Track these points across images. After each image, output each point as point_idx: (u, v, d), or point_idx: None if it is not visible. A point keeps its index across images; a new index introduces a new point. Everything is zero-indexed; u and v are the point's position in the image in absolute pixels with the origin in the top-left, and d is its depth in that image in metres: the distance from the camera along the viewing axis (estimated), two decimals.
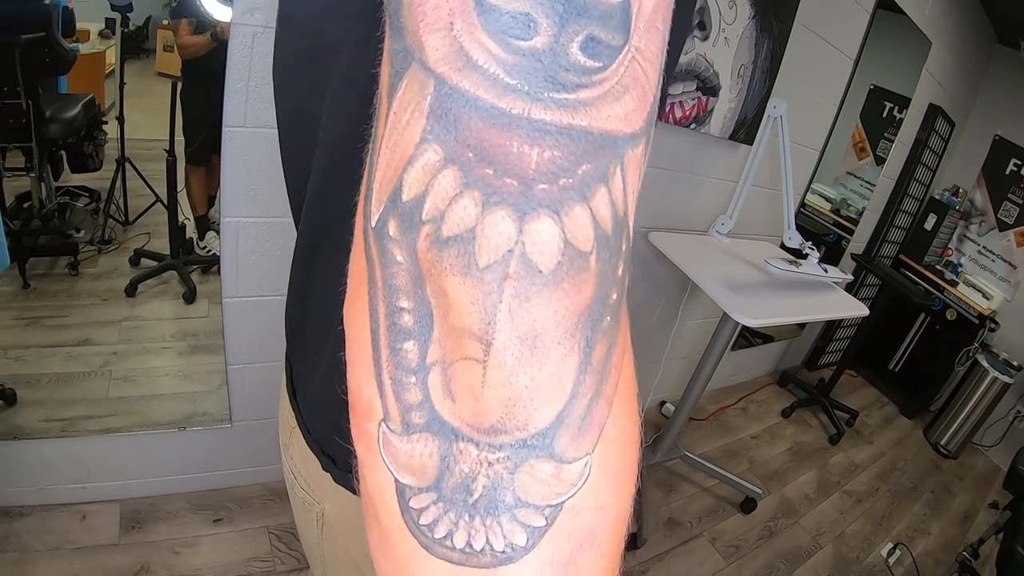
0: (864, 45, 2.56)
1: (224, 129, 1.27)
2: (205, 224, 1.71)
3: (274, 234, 1.44)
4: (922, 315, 3.88)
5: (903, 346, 4.00)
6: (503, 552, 0.21)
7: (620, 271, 0.21)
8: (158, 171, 1.59)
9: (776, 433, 3.11)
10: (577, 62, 0.18)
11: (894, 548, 2.48)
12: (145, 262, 1.65)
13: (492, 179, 0.18)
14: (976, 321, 3.62)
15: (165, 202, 1.63)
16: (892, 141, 3.26)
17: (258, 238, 1.43)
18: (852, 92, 2.71)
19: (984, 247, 3.89)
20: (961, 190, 3.96)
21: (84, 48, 1.40)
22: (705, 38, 1.83)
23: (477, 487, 0.21)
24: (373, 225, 0.21)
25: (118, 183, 1.58)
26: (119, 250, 1.63)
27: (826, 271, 2.09)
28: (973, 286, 3.76)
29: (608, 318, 0.21)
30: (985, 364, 3.42)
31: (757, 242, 2.51)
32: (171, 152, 1.56)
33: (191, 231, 1.71)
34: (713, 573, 2.08)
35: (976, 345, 3.61)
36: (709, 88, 1.95)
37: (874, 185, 3.37)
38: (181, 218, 1.66)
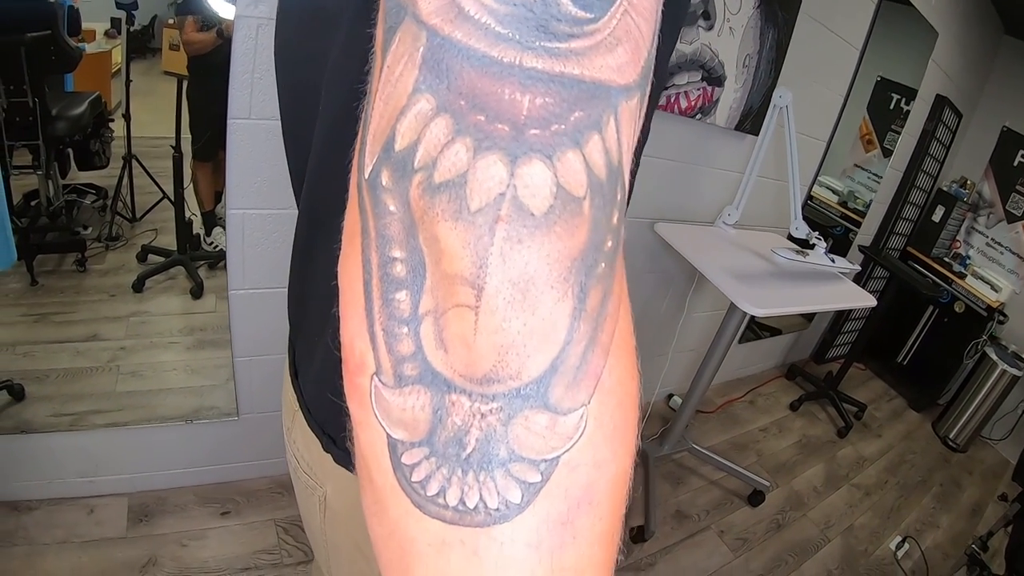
0: (870, 36, 2.54)
1: (229, 121, 1.27)
2: (212, 220, 1.72)
3: (280, 225, 1.44)
4: (930, 308, 3.86)
5: (911, 339, 3.97)
6: (497, 510, 0.21)
7: (615, 219, 0.21)
8: (165, 168, 1.60)
9: (784, 426, 3.10)
10: (568, 12, 0.18)
11: (903, 541, 2.47)
12: (152, 258, 1.67)
13: (484, 125, 0.18)
14: (985, 314, 3.59)
15: (172, 198, 1.64)
16: (899, 133, 3.24)
17: (264, 230, 1.43)
18: (859, 84, 2.69)
19: (992, 239, 3.86)
20: (969, 182, 3.93)
21: (90, 48, 1.41)
22: (710, 28, 1.82)
23: (470, 440, 0.21)
24: (367, 177, 0.21)
25: (125, 180, 1.60)
26: (126, 246, 1.65)
27: (833, 261, 2.08)
28: (982, 278, 3.72)
29: (603, 265, 0.21)
30: (994, 357, 3.39)
31: (764, 233, 2.50)
32: (177, 149, 1.57)
33: (198, 227, 1.72)
34: (721, 566, 2.08)
35: (985, 338, 3.59)
36: (714, 78, 1.94)
37: (881, 177, 3.35)
38: (188, 214, 1.68)
